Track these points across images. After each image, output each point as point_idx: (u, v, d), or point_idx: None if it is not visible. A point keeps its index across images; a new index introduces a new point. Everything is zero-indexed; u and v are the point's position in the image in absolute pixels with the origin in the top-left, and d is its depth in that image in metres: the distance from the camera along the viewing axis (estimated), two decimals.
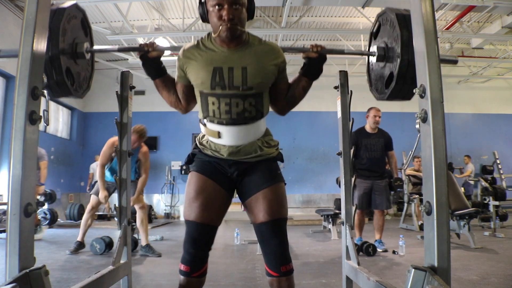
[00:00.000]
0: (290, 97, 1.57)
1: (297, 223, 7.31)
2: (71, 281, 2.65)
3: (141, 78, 9.55)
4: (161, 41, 7.85)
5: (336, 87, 2.09)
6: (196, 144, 1.56)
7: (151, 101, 9.35)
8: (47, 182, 7.94)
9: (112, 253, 3.35)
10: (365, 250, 3.77)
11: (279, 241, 1.39)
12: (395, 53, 1.66)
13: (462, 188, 7.31)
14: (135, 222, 3.96)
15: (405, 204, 6.63)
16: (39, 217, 6.54)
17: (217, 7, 1.37)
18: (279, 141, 1.63)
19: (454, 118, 10.24)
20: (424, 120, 1.21)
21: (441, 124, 1.18)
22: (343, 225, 2.04)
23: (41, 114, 1.28)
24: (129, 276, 1.97)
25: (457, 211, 4.40)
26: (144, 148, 3.99)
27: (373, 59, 1.88)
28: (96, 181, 8.93)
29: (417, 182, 6.82)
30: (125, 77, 2.00)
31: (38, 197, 5.60)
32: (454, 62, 1.68)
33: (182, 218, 9.19)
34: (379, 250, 3.95)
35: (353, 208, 2.02)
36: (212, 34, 1.44)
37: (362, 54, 2.16)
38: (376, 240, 4.08)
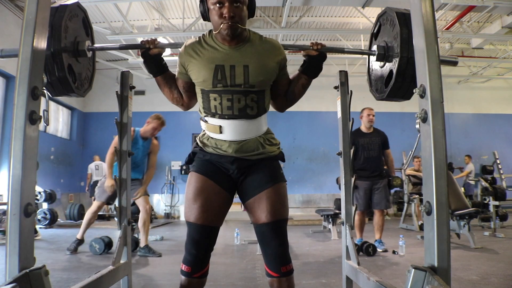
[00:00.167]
0: (290, 94, 1.57)
1: (297, 223, 7.31)
2: (71, 281, 2.65)
3: (141, 78, 9.57)
4: (161, 41, 7.85)
5: (336, 87, 2.09)
6: (196, 143, 1.56)
7: (151, 101, 9.36)
8: (47, 182, 7.99)
9: (112, 253, 3.36)
10: (365, 250, 3.77)
11: (280, 242, 1.39)
12: (394, 51, 1.67)
13: (462, 188, 7.32)
14: (135, 222, 3.96)
15: (405, 204, 6.63)
16: (39, 217, 6.56)
17: (217, 5, 1.37)
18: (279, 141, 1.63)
19: (454, 118, 10.25)
20: (424, 120, 1.21)
21: (441, 124, 1.18)
22: (343, 225, 2.04)
23: (41, 114, 1.28)
24: (129, 276, 1.97)
25: (457, 211, 4.40)
26: (155, 140, 3.99)
27: (373, 58, 1.88)
28: (95, 181, 8.95)
29: (417, 182, 6.82)
30: (125, 77, 2.00)
31: None
32: (454, 63, 1.68)
33: (182, 218, 9.20)
34: (379, 250, 3.95)
35: (353, 208, 2.02)
36: (214, 31, 1.44)
37: (362, 53, 2.17)
38: (376, 240, 4.09)
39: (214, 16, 1.39)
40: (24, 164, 1.19)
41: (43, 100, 1.30)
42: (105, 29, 7.35)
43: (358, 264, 1.85)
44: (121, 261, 1.90)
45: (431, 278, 1.11)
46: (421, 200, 6.06)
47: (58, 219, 6.96)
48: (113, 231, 5.23)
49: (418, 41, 1.26)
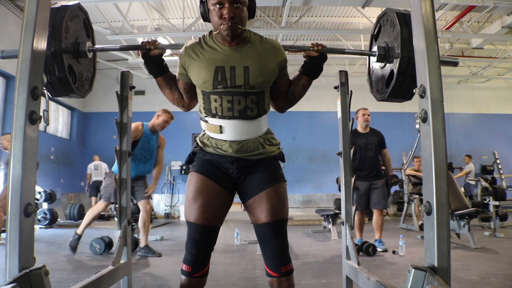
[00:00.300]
0: (290, 95, 1.57)
1: (297, 223, 7.31)
2: (71, 281, 2.65)
3: (141, 78, 9.56)
4: (161, 41, 7.85)
5: (336, 87, 2.09)
6: (197, 143, 1.56)
7: (151, 101, 9.35)
8: (47, 182, 7.99)
9: (112, 253, 3.35)
10: (365, 250, 3.77)
11: (280, 242, 1.39)
12: (395, 51, 1.67)
13: (462, 188, 7.32)
14: (135, 222, 3.96)
15: (405, 204, 6.63)
16: (39, 217, 6.56)
17: (218, 5, 1.37)
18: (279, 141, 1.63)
19: (454, 118, 10.25)
20: (424, 120, 1.21)
21: (441, 124, 1.18)
22: (343, 225, 2.04)
23: (41, 114, 1.28)
24: (129, 276, 1.97)
25: (457, 211, 4.41)
26: (161, 135, 4.00)
27: (373, 59, 1.88)
28: (94, 181, 8.94)
29: (417, 182, 6.82)
30: (125, 77, 2.00)
31: None
32: (455, 64, 1.68)
33: (182, 218, 9.20)
34: (379, 249, 3.95)
35: (353, 208, 2.02)
36: (214, 32, 1.44)
37: (362, 53, 2.16)
38: (376, 240, 4.09)
39: (214, 17, 1.39)
40: (24, 164, 1.19)
41: (43, 100, 1.30)
42: (105, 29, 7.35)
43: (358, 264, 1.85)
44: (121, 261, 1.90)
45: (431, 278, 1.11)
46: (421, 200, 6.06)
47: (58, 219, 6.96)
48: (113, 231, 5.22)
49: (418, 41, 1.26)
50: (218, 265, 3.32)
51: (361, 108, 4.26)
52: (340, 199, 2.22)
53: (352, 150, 2.05)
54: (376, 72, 1.94)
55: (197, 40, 1.49)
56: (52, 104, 8.93)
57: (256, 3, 1.48)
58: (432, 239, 1.15)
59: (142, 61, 1.57)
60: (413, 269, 1.15)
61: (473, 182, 8.03)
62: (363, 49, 8.11)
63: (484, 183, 6.54)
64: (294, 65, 7.78)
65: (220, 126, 1.45)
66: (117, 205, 1.94)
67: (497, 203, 5.73)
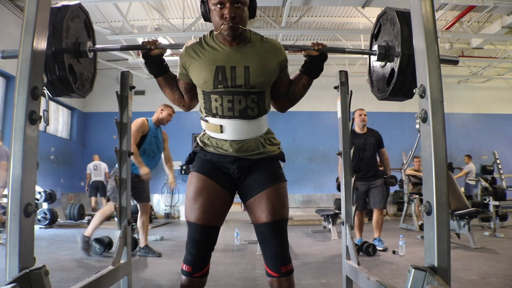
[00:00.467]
0: (291, 94, 1.57)
1: (297, 223, 7.31)
2: (71, 281, 2.65)
3: (141, 78, 9.57)
4: (161, 41, 7.85)
5: (336, 87, 2.09)
6: (197, 142, 1.56)
7: (151, 101, 9.35)
8: (47, 182, 7.99)
9: (112, 253, 3.35)
10: (365, 250, 3.77)
11: (280, 242, 1.39)
12: (395, 50, 1.67)
13: (462, 188, 7.32)
14: (135, 222, 3.96)
15: (405, 204, 6.63)
16: (39, 217, 6.56)
17: (218, 5, 1.37)
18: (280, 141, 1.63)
19: (454, 118, 10.24)
20: (424, 120, 1.21)
21: (441, 124, 1.18)
22: (343, 225, 2.04)
23: (41, 114, 1.28)
24: (129, 276, 1.97)
25: (457, 211, 4.41)
26: (163, 130, 4.01)
27: (374, 58, 1.88)
28: (94, 181, 8.92)
29: (417, 182, 6.82)
30: (125, 77, 2.00)
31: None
32: (455, 62, 1.67)
33: (182, 218, 9.21)
34: (378, 248, 3.96)
35: (353, 208, 2.02)
36: (214, 32, 1.45)
37: (363, 53, 2.16)
38: (375, 239, 4.10)
39: (215, 16, 1.39)
40: (24, 164, 1.19)
41: (43, 100, 1.30)
42: (105, 29, 7.35)
43: (358, 264, 1.85)
44: (121, 261, 1.90)
45: (431, 278, 1.11)
46: (421, 200, 6.06)
47: (58, 219, 6.95)
48: (113, 231, 5.22)
49: (418, 41, 1.26)
50: (218, 265, 3.32)
51: (357, 108, 4.27)
52: (340, 199, 2.22)
53: (352, 150, 2.05)
54: (376, 71, 1.94)
55: (198, 40, 1.49)
56: (52, 104, 8.93)
57: (257, 3, 1.48)
58: (432, 239, 1.14)
59: (142, 61, 1.58)
60: (413, 269, 1.15)
61: (473, 182, 8.03)
62: (363, 49, 8.11)
63: (484, 183, 6.54)
64: (295, 65, 7.78)
65: (221, 126, 1.45)
66: (117, 205, 1.94)
67: (497, 203, 5.73)
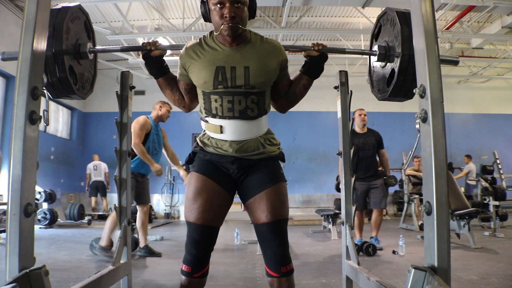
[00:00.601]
0: (291, 95, 1.57)
1: (297, 223, 7.31)
2: (71, 281, 2.65)
3: (141, 78, 9.57)
4: (161, 41, 7.86)
5: (336, 87, 2.09)
6: (197, 142, 1.56)
7: (151, 101, 9.28)
8: (47, 182, 7.99)
9: (112, 253, 3.35)
10: (365, 250, 3.77)
11: (280, 242, 1.39)
12: (396, 50, 1.67)
13: (462, 188, 7.32)
14: (135, 222, 3.95)
15: (405, 204, 6.63)
16: (39, 217, 6.56)
17: (218, 5, 1.37)
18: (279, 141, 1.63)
19: (454, 118, 10.24)
20: (424, 120, 1.21)
21: (441, 124, 1.18)
22: (343, 225, 2.04)
23: (41, 114, 1.28)
24: (129, 276, 1.97)
25: (457, 211, 4.41)
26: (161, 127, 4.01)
27: (374, 59, 1.88)
28: (93, 181, 8.91)
29: (417, 182, 6.82)
30: (125, 77, 2.00)
31: None
32: (455, 62, 1.67)
33: (182, 218, 9.20)
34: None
35: (353, 208, 2.02)
36: (214, 32, 1.45)
37: (363, 53, 2.16)
38: (372, 237, 4.10)
39: (215, 16, 1.39)
40: (24, 164, 1.19)
41: (43, 100, 1.30)
42: (105, 29, 7.35)
43: (358, 264, 1.85)
44: (121, 261, 1.90)
45: (431, 278, 1.11)
46: (421, 200, 6.06)
47: (58, 219, 6.94)
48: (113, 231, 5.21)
49: (418, 41, 1.26)
50: (218, 265, 3.32)
51: (357, 109, 4.28)
52: (340, 199, 2.22)
53: (352, 150, 2.05)
54: (377, 71, 1.94)
55: (198, 40, 1.49)
56: (52, 104, 8.93)
57: (257, 3, 1.49)
58: (432, 239, 1.14)
59: (142, 61, 1.58)
60: (413, 269, 1.15)
61: (473, 182, 8.03)
62: (363, 49, 8.11)
63: (484, 183, 6.54)
64: (295, 65, 7.77)
65: (221, 126, 1.45)
66: (116, 205, 1.94)
67: (497, 203, 5.73)
